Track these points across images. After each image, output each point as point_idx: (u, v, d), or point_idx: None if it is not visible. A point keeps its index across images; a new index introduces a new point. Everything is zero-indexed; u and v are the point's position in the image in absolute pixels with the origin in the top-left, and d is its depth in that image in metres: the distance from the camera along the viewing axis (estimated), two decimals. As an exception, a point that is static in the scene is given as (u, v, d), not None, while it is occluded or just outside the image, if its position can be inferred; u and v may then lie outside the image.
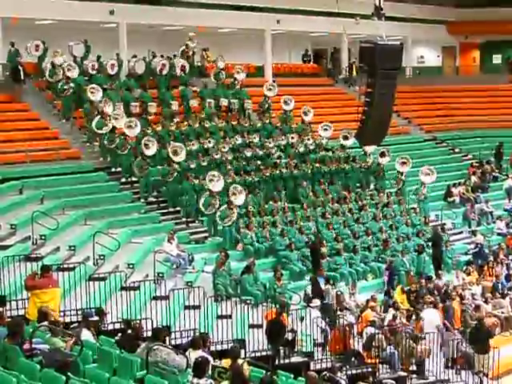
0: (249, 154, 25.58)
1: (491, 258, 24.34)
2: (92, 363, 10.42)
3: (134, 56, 28.72)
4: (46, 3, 26.79)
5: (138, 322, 13.34)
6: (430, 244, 23.93)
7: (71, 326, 12.11)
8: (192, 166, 23.79)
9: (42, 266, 13.83)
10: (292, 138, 27.16)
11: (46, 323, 11.46)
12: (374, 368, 15.94)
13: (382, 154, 27.44)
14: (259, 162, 25.39)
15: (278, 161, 25.72)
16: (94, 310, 13.15)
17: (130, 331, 12.16)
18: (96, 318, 12.63)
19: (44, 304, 12.64)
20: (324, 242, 22.54)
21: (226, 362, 11.28)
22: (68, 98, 25.48)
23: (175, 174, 23.08)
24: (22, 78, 25.52)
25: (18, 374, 8.80)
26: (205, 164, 24.11)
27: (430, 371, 16.82)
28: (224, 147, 25.28)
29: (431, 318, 18.50)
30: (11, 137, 23.68)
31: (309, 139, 27.41)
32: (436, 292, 21.01)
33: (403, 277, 22.44)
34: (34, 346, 10.05)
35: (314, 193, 25.29)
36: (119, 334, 12.74)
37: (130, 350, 10.94)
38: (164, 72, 28.18)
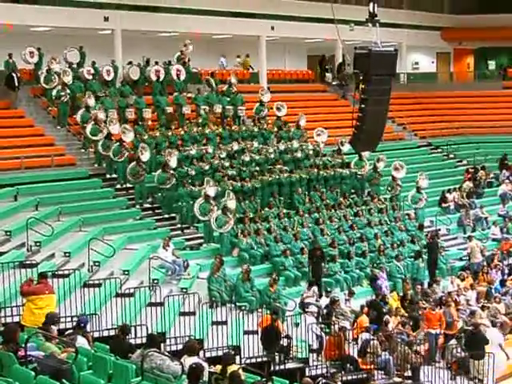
0: (247, 158, 25.58)
1: (484, 264, 24.45)
2: (87, 370, 10.41)
3: (130, 62, 28.79)
4: (40, 10, 26.83)
5: (125, 323, 13.35)
6: (425, 250, 23.95)
7: (66, 333, 12.09)
8: (192, 172, 23.78)
9: (39, 273, 13.84)
10: (291, 144, 27.20)
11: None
12: (369, 374, 15.95)
13: (378, 161, 27.50)
14: (257, 168, 25.38)
15: (272, 167, 25.76)
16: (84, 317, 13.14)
17: (119, 333, 12.19)
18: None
19: (40, 310, 12.64)
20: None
21: (218, 368, 11.27)
22: (63, 105, 25.49)
23: (173, 180, 23.07)
24: (17, 85, 25.50)
25: (13, 381, 8.79)
26: (203, 170, 24.08)
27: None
28: (221, 153, 25.31)
29: (493, 336, 18.26)
30: (6, 143, 23.66)
31: (306, 146, 27.47)
32: (431, 298, 21.05)
33: (399, 283, 22.47)
34: (28, 352, 10.03)
35: (310, 199, 25.32)
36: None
37: (121, 354, 10.94)
38: (160, 78, 28.26)
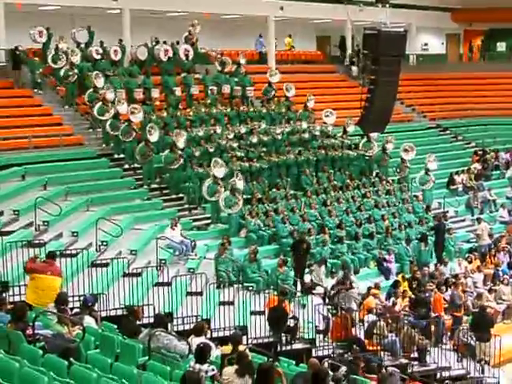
0: (254, 140, 25.52)
1: (492, 246, 24.46)
2: (94, 349, 10.46)
3: (146, 45, 28.61)
4: (49, -11, 26.74)
5: (137, 306, 13.34)
6: (432, 232, 23.92)
7: (73, 312, 12.13)
8: (197, 153, 23.77)
9: (47, 252, 13.86)
10: (299, 125, 27.13)
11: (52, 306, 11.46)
12: (375, 355, 15.97)
13: (386, 142, 27.41)
14: (264, 149, 25.34)
15: (281, 148, 25.73)
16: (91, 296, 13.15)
17: (129, 316, 12.21)
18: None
19: (41, 292, 12.58)
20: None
21: (227, 349, 11.30)
22: (71, 85, 25.47)
23: (180, 161, 23.05)
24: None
25: (21, 359, 8.82)
26: (210, 151, 24.06)
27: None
28: (229, 134, 25.28)
29: None
30: (14, 122, 23.65)
31: (314, 127, 27.39)
32: (437, 280, 21.04)
33: (406, 265, 22.48)
34: (36, 331, 10.08)
35: (318, 180, 25.28)
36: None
37: (129, 335, 10.99)
38: (168, 56, 28.15)
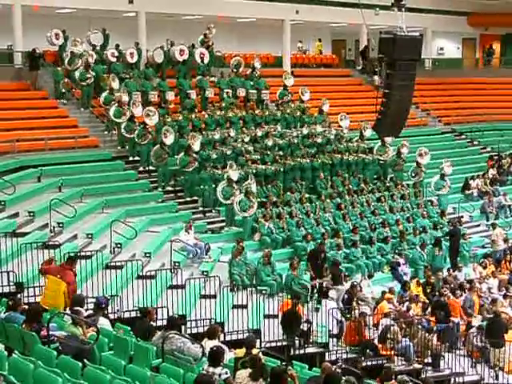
0: (270, 143, 25.51)
1: (507, 252, 24.31)
2: (108, 351, 10.49)
3: (162, 47, 28.72)
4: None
5: (151, 307, 13.36)
6: (447, 237, 23.82)
7: (87, 314, 12.17)
8: (214, 155, 23.79)
9: (68, 256, 13.93)
10: (314, 128, 27.10)
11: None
12: (389, 360, 15.94)
13: (401, 146, 27.34)
14: (280, 153, 25.31)
15: (296, 151, 25.71)
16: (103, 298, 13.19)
17: (143, 317, 12.24)
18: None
19: (49, 293, 12.66)
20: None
21: (240, 352, 11.30)
22: (87, 87, 25.57)
23: (195, 164, 23.08)
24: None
25: (35, 360, 8.86)
26: (225, 154, 24.08)
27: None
28: (245, 137, 25.30)
29: None
30: (30, 124, 23.80)
31: (329, 131, 27.36)
32: (452, 285, 20.95)
33: (420, 270, 22.40)
34: (51, 332, 10.12)
35: (332, 184, 25.25)
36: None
37: (143, 336, 11.01)
38: (183, 57, 28.20)
